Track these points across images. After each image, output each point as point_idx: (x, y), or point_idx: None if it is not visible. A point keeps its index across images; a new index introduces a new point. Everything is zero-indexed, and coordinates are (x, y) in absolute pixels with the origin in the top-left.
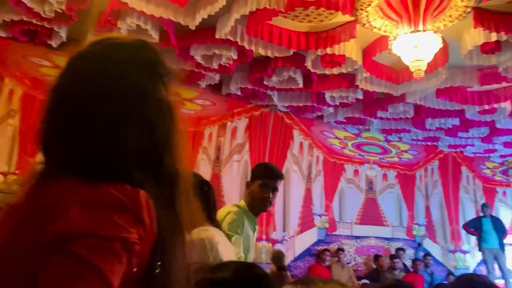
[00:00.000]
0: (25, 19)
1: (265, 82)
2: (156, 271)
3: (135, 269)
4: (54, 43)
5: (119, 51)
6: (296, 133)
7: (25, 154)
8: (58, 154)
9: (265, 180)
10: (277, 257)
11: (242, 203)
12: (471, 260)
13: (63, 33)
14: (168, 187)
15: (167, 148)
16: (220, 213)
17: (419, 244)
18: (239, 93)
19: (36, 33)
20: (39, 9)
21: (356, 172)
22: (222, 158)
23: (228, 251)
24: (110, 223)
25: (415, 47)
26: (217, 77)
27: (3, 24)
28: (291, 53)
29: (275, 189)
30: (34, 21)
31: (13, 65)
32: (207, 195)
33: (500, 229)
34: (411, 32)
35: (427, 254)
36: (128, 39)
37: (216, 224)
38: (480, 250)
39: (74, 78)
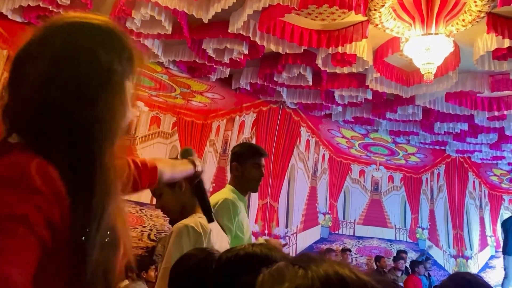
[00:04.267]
0: (41, 5)
1: (274, 78)
2: (80, 235)
3: (47, 236)
4: None
5: (71, 23)
6: (303, 130)
7: None
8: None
9: (256, 159)
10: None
11: (231, 187)
12: (473, 266)
13: None
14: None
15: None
16: (213, 199)
17: (423, 253)
18: (248, 88)
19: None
20: None
21: (362, 172)
22: (228, 151)
23: (220, 239)
24: None
25: (426, 49)
26: (227, 71)
27: (19, 9)
28: (302, 50)
29: (263, 167)
30: (50, 7)
31: None
32: (198, 186)
33: None
34: (423, 34)
35: (427, 257)
36: (88, 15)
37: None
38: (504, 253)
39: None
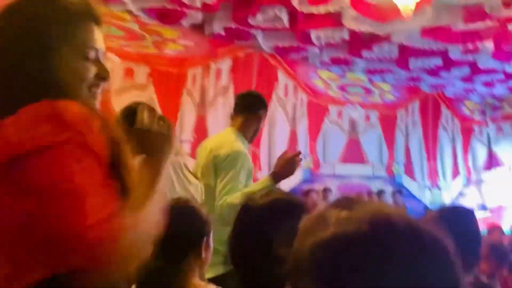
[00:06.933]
0: None
1: (249, 21)
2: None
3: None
4: None
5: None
6: (280, 74)
7: None
8: None
9: (264, 112)
10: None
11: (239, 134)
12: (446, 195)
13: None
14: None
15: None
16: (223, 145)
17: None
18: (222, 33)
19: None
20: None
21: (339, 113)
22: (207, 101)
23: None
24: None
25: None
26: (200, 16)
27: None
28: None
29: None
30: None
31: None
32: None
33: None
34: None
35: (398, 191)
36: None
37: None
38: None
39: None
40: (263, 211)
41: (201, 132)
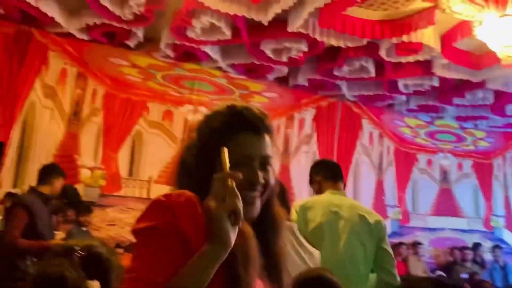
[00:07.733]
0: (105, 22)
1: (334, 72)
2: None
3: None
4: (132, 43)
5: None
6: (365, 122)
7: (109, 150)
8: None
9: None
10: None
11: None
12: None
13: (140, 34)
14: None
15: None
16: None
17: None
18: (306, 84)
19: (115, 34)
20: (119, 12)
21: (429, 161)
22: (290, 149)
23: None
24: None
25: (502, 32)
26: (285, 70)
27: (85, 28)
28: (364, 42)
29: None
30: (114, 23)
31: (94, 66)
32: (283, 195)
33: None
34: (501, 16)
35: (497, 246)
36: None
37: None
38: None
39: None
40: None
41: (284, 181)
